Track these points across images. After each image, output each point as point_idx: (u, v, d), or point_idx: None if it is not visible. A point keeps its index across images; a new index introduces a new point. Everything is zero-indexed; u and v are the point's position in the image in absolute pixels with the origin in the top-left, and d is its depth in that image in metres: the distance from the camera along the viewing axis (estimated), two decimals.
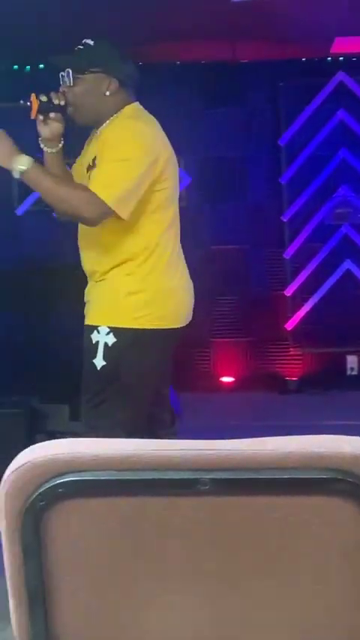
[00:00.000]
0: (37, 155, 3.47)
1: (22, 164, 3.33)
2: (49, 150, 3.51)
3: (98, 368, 3.40)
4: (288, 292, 7.85)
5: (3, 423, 4.97)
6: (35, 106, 3.41)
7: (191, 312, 3.60)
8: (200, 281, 7.88)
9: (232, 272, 7.81)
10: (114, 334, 3.38)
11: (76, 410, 5.45)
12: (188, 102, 7.67)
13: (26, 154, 3.37)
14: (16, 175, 3.34)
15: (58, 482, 1.40)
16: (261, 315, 7.83)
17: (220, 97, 7.72)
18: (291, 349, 7.87)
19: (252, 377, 7.80)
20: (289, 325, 7.85)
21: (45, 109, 3.42)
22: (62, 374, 6.00)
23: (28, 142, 3.54)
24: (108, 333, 3.38)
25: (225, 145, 7.74)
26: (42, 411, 5.41)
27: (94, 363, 3.41)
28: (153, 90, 7.57)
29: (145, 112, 3.54)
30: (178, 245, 3.57)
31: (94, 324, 3.44)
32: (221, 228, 7.75)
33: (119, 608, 1.49)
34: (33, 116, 3.43)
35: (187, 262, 3.60)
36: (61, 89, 3.46)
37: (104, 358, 3.38)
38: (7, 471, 1.43)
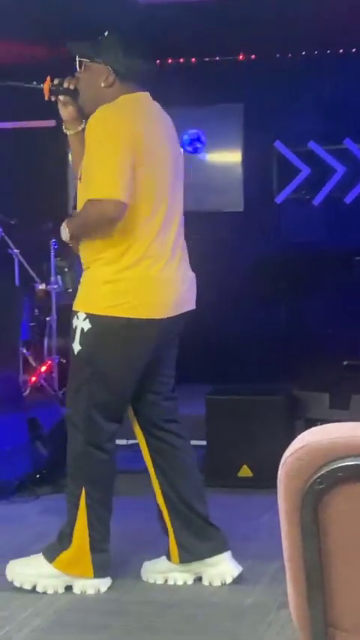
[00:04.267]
0: None
1: (63, 235, 3.53)
2: (68, 132, 3.64)
3: (75, 352, 3.50)
4: None
5: (264, 409, 5.01)
6: (46, 87, 3.56)
7: (185, 304, 3.58)
8: None
9: None
10: (89, 320, 3.44)
11: (335, 398, 5.45)
12: None
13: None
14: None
15: (337, 465, 1.39)
16: None
17: None
18: None
19: None
20: None
21: (55, 91, 3.57)
22: (323, 362, 6.00)
23: None
24: (85, 319, 3.45)
25: None
26: (302, 398, 5.41)
27: (72, 348, 3.51)
28: None
29: (134, 100, 3.52)
30: (169, 235, 3.53)
31: (74, 310, 3.52)
32: None
33: None
34: (46, 97, 3.58)
35: None
36: (76, 74, 3.59)
37: (80, 343, 3.47)
38: (287, 453, 1.44)
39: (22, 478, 4.88)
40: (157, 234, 3.50)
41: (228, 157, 7.61)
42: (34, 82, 3.63)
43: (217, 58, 7.55)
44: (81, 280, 3.59)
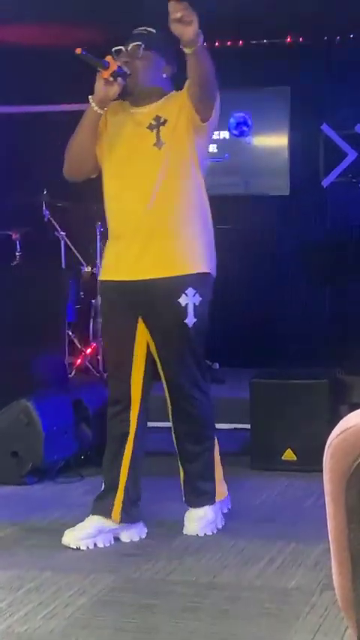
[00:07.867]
0: None
1: (193, 34, 3.45)
2: (100, 110, 3.73)
3: (190, 325, 3.72)
4: None
5: (309, 393, 5.00)
6: (113, 68, 3.62)
7: None
8: None
9: None
10: (199, 293, 3.71)
11: None
12: None
13: None
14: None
15: None
16: None
17: None
18: None
19: None
20: None
21: (118, 73, 3.65)
22: None
23: None
24: (194, 295, 3.70)
25: None
26: (347, 382, 5.40)
27: (185, 323, 3.71)
28: None
29: None
30: None
31: (178, 288, 3.68)
32: None
33: None
34: (105, 75, 3.63)
35: None
36: (123, 60, 3.71)
37: (195, 315, 3.72)
38: (333, 434, 1.44)
39: (67, 459, 4.93)
40: None
41: (274, 141, 7.57)
42: (108, 56, 3.68)
43: (265, 41, 7.51)
44: (164, 244, 3.70)
